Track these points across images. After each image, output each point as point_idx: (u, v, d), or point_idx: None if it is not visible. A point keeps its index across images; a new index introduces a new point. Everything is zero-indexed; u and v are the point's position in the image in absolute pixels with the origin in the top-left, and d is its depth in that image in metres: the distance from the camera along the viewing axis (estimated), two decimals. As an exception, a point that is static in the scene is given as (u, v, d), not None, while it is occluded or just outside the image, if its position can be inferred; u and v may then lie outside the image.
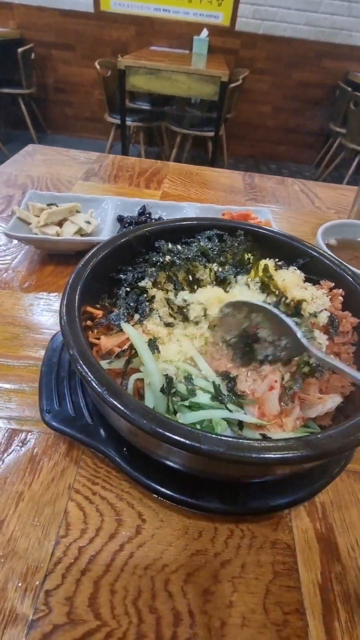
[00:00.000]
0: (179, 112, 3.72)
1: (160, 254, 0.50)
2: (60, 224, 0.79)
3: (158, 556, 0.39)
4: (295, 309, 0.44)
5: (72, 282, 0.42)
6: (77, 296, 0.40)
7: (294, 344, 0.39)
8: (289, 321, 0.40)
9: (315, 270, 0.54)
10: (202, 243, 0.52)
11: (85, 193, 0.90)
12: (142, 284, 0.48)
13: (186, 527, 0.42)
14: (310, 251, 0.54)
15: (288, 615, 0.36)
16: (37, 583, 0.37)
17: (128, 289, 0.48)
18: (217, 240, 0.54)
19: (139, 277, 0.49)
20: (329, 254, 0.54)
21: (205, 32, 3.66)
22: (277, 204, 1.14)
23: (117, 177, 1.17)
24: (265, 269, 0.48)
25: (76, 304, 0.40)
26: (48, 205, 0.80)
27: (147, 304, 0.45)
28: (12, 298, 0.69)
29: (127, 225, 0.81)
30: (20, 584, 0.36)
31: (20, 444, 0.47)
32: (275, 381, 0.40)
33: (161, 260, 0.49)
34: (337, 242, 0.82)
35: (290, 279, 0.47)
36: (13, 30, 3.82)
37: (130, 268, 0.52)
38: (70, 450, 0.47)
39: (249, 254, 0.54)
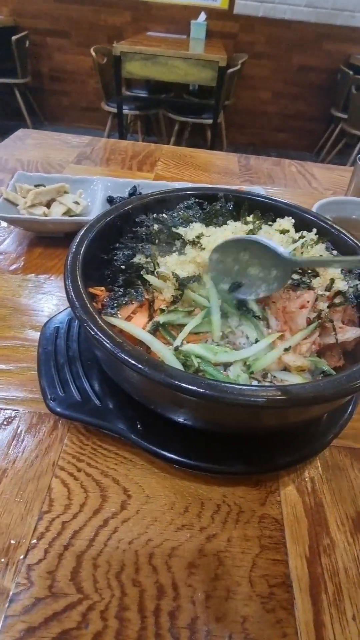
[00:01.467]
0: (176, 99, 3.65)
1: (145, 227, 0.49)
2: (48, 205, 0.77)
3: (143, 531, 0.39)
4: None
5: (70, 263, 0.41)
6: (79, 266, 0.41)
7: (281, 269, 0.40)
8: (271, 243, 0.40)
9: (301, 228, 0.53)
10: (181, 212, 0.51)
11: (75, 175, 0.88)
12: (135, 260, 0.47)
13: (172, 502, 0.41)
14: (296, 210, 0.53)
15: (274, 587, 0.36)
16: (19, 558, 0.36)
17: (123, 267, 0.47)
18: (197, 207, 0.54)
19: (130, 255, 0.47)
20: (312, 212, 0.53)
21: (203, 16, 3.56)
22: (274, 185, 1.11)
23: (110, 160, 1.14)
24: (256, 216, 0.49)
25: (79, 271, 0.40)
26: (36, 186, 0.79)
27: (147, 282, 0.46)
28: (-1, 280, 0.68)
29: (117, 206, 0.80)
30: (2, 559, 0.36)
31: (5, 423, 0.47)
32: (308, 301, 0.42)
33: (150, 230, 0.48)
34: (332, 220, 0.80)
35: (283, 223, 0.50)
36: (7, 17, 3.74)
37: (118, 245, 0.51)
38: (54, 428, 0.47)
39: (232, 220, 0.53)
